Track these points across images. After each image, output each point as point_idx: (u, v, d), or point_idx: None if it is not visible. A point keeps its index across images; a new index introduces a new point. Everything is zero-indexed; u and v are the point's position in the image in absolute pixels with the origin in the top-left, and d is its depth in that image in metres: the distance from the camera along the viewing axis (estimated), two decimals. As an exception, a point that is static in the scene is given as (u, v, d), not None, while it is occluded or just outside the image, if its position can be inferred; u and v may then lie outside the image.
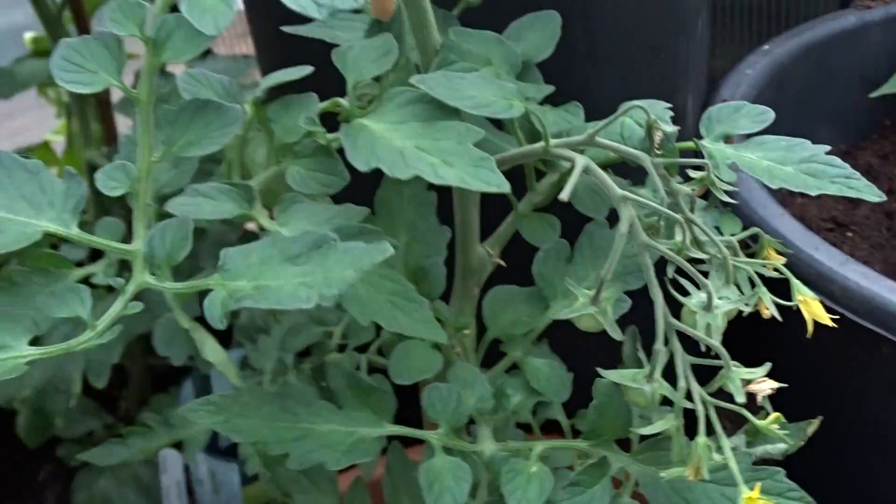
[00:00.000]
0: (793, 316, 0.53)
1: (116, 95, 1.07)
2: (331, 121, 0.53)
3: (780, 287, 0.53)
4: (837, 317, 0.52)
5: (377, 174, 0.44)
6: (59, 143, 1.31)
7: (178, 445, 0.95)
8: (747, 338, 0.61)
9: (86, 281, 0.51)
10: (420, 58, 0.50)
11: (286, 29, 0.55)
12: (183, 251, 0.40)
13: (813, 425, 0.57)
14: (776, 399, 0.48)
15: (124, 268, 0.53)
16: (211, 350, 0.48)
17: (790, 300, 0.53)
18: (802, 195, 0.90)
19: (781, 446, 0.55)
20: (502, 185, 0.40)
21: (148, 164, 0.40)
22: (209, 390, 1.03)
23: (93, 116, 1.04)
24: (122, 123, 1.11)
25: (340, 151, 0.50)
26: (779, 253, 0.57)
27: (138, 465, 1.07)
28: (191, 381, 1.04)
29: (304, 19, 0.53)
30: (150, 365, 1.17)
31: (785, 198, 0.89)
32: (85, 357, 0.93)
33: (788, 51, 0.95)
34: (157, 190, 0.47)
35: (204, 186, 0.46)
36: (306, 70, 0.52)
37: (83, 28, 1.01)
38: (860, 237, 0.86)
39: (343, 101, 0.49)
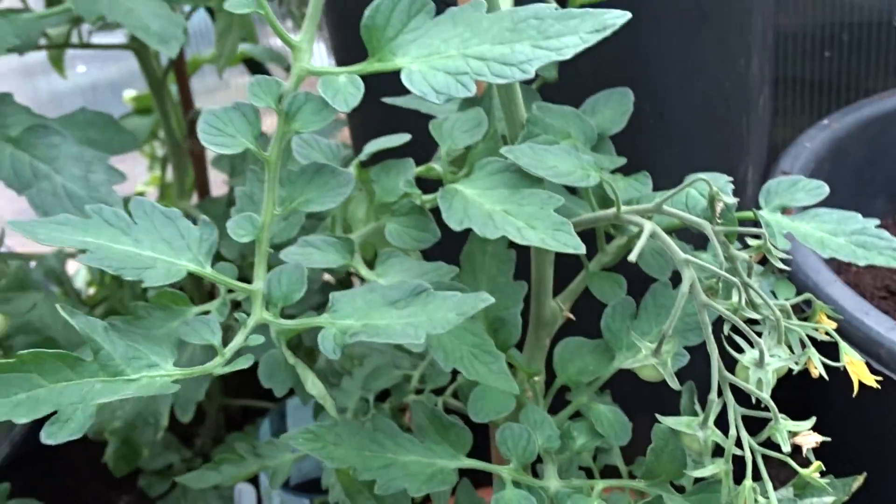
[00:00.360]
0: (842, 375, 0.57)
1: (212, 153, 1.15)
2: (420, 182, 0.59)
3: (830, 349, 0.58)
4: (883, 378, 0.56)
5: (463, 232, 0.50)
6: (150, 192, 1.39)
7: (251, 480, 1.01)
8: (798, 395, 0.66)
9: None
10: (507, 129, 0.56)
11: (386, 100, 0.61)
12: (298, 293, 0.46)
13: (858, 481, 0.61)
14: (826, 455, 0.52)
15: (236, 307, 0.60)
16: (312, 384, 0.54)
17: (839, 361, 0.57)
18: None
19: (827, 500, 0.59)
20: (578, 247, 0.46)
21: (271, 217, 0.47)
22: (285, 428, 1.09)
23: (188, 170, 1.12)
24: (215, 176, 1.18)
25: (432, 211, 0.56)
26: (829, 318, 0.61)
27: (213, 497, 1.12)
28: (268, 419, 1.11)
29: (400, 90, 0.59)
30: (224, 405, 1.23)
31: (840, 266, 0.93)
32: (174, 393, 1.00)
33: (847, 126, 0.99)
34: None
35: (313, 238, 0.52)
36: (405, 138, 0.59)
37: (184, 88, 1.09)
38: (912, 306, 0.90)
39: (436, 167, 0.55)
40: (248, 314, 0.47)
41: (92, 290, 1.24)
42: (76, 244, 0.44)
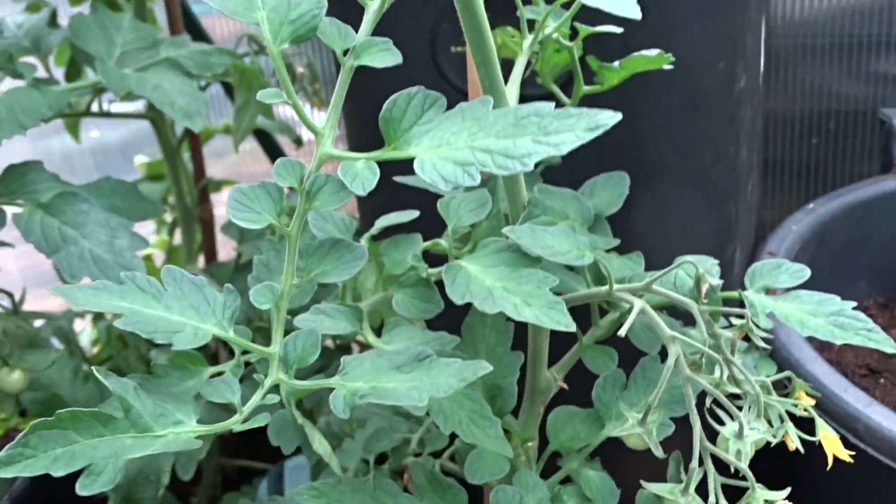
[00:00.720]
0: (820, 449, 0.61)
1: (221, 218, 1.19)
2: (426, 255, 0.63)
3: (811, 423, 0.61)
4: (860, 452, 0.59)
5: (465, 303, 0.54)
6: (157, 255, 1.43)
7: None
8: (783, 466, 0.69)
9: (214, 377, 0.61)
10: (510, 209, 0.60)
11: (397, 179, 0.65)
12: (313, 356, 0.50)
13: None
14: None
15: (248, 367, 0.63)
16: (319, 442, 0.57)
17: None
18: (840, 342, 0.98)
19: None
20: (570, 326, 0.49)
21: (290, 287, 0.50)
22: (283, 489, 1.12)
23: (196, 235, 1.16)
24: (221, 237, 1.22)
25: (436, 283, 0.60)
26: (808, 395, 0.65)
27: (214, 556, 1.14)
28: (266, 480, 1.13)
29: (406, 169, 0.63)
30: (221, 465, 1.26)
31: (823, 343, 0.97)
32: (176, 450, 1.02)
33: (831, 210, 1.04)
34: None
35: (325, 306, 0.56)
36: (413, 214, 0.63)
37: (197, 156, 1.13)
38: (891, 384, 0.93)
39: (442, 242, 0.59)
40: (265, 375, 0.51)
41: (96, 349, 1.27)
42: (112, 309, 0.48)
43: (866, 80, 1.26)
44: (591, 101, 0.70)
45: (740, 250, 0.89)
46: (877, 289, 1.09)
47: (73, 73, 1.14)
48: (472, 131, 0.46)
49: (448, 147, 0.46)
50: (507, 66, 0.61)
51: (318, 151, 0.48)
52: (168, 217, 1.34)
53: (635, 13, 0.55)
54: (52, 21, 1.01)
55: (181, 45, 0.84)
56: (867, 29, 1.26)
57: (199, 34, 1.20)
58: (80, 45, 0.83)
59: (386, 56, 0.47)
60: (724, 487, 0.54)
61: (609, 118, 0.44)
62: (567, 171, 0.70)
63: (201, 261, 1.25)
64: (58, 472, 0.45)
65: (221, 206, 1.29)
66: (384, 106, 0.48)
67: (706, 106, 0.78)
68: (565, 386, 0.66)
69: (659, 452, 0.55)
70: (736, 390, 0.58)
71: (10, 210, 0.73)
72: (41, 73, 0.93)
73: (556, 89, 0.70)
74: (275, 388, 0.52)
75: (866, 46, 1.26)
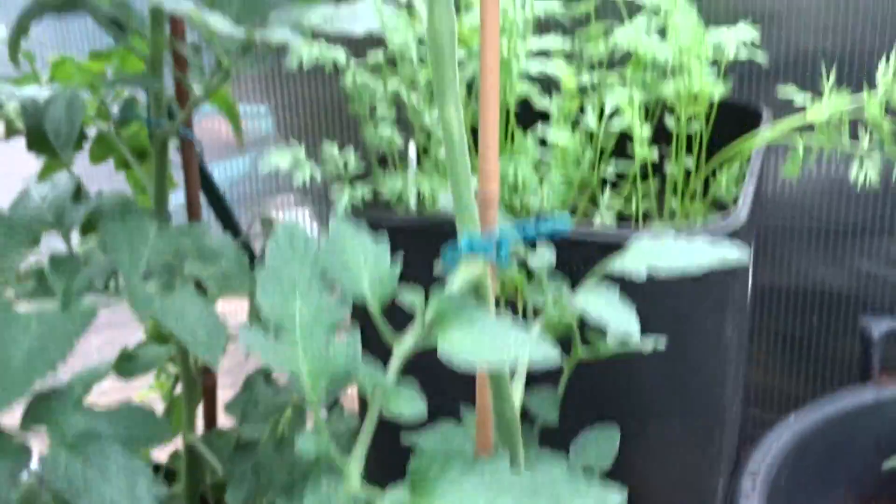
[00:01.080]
0: None
1: (224, 392, 1.22)
2: None
3: None
4: None
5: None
6: (154, 399, 1.45)
7: None
8: None
9: None
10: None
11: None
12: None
13: None
14: None
15: None
16: None
17: None
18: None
19: None
20: None
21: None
22: None
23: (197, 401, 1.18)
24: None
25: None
26: None
27: None
28: None
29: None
30: None
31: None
32: None
33: (810, 423, 1.08)
34: None
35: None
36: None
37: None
38: None
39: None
40: None
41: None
42: None
43: (850, 271, 1.32)
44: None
45: (723, 479, 0.94)
46: (855, 494, 1.14)
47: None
48: (490, 493, 0.50)
49: (469, 508, 0.50)
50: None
51: (345, 486, 0.52)
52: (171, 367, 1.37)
53: (635, 332, 0.60)
54: (77, 195, 1.05)
55: (205, 260, 0.88)
56: (853, 217, 1.32)
57: (219, 204, 1.24)
58: (109, 255, 0.86)
59: (412, 406, 0.52)
60: None
61: (617, 499, 0.49)
62: (564, 418, 0.75)
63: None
64: None
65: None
66: (412, 461, 0.52)
67: (695, 359, 0.83)
68: None
69: None
70: None
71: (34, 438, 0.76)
72: (60, 244, 0.97)
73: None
74: None
75: (851, 234, 1.32)
